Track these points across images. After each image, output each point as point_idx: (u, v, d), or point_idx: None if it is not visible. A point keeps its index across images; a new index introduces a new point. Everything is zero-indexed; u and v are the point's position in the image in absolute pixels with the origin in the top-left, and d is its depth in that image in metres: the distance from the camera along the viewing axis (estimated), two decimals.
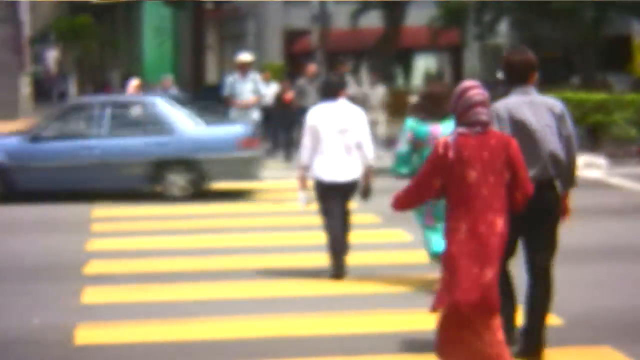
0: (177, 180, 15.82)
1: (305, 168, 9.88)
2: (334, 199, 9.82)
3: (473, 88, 6.24)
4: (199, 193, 15.83)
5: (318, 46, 31.07)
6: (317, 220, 10.25)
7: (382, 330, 7.96)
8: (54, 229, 13.42)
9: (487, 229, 6.08)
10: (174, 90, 22.33)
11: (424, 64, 46.61)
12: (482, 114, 6.15)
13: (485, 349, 6.08)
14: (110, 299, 9.20)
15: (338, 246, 9.84)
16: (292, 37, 42.88)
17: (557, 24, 32.59)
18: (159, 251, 11.59)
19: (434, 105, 8.87)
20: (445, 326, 6.19)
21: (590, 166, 19.20)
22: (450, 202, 6.20)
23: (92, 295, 9.34)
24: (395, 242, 11.78)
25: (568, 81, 35.27)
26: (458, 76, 38.98)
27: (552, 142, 6.95)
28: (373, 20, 36.28)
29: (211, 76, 43.34)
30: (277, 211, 14.65)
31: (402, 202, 6.36)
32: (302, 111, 17.18)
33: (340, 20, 35.26)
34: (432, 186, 6.20)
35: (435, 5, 38.44)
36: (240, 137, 15.93)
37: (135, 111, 16.39)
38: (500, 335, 6.13)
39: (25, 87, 46.94)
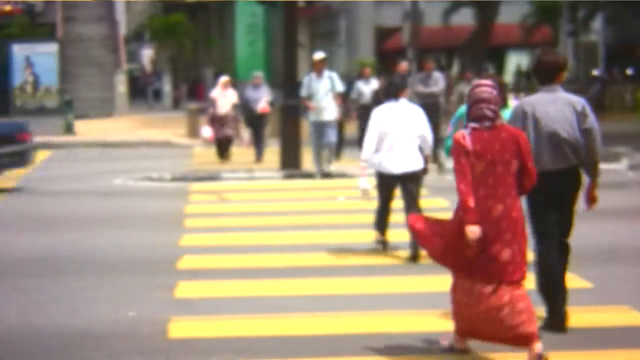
0: None
1: (367, 161, 10.85)
2: (392, 189, 11.05)
3: (482, 86, 6.97)
4: None
5: (409, 43, 31.02)
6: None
7: None
8: (149, 224, 13.63)
9: (482, 214, 6.77)
10: (265, 87, 22.41)
11: (516, 61, 46.22)
12: (485, 109, 6.86)
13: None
14: (203, 294, 9.33)
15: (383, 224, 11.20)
16: (383, 34, 42.88)
17: None
18: (250, 247, 11.72)
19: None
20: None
21: None
22: None
23: (185, 290, 9.49)
24: None
25: None
26: None
27: (571, 135, 7.67)
28: (465, 18, 36.10)
29: (303, 74, 43.48)
30: (369, 208, 14.70)
31: (472, 205, 6.80)
32: None
33: (432, 17, 35.16)
34: (470, 171, 6.86)
35: (527, 2, 38.11)
36: None
37: None
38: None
39: (121, 85, 47.69)
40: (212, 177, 19.18)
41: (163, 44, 59.17)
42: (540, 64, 7.86)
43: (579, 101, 7.77)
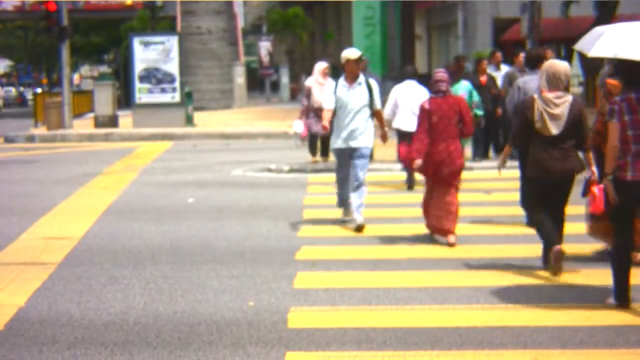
0: None
1: (388, 121, 15.34)
2: (406, 140, 15.31)
3: (439, 72, 11.44)
4: None
5: (528, 35, 30.70)
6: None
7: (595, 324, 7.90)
8: (268, 215, 13.77)
9: (433, 149, 11.13)
10: (374, 75, 22.00)
11: None
12: (440, 85, 11.26)
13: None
14: (321, 284, 9.41)
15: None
16: (501, 26, 42.49)
17: None
18: (368, 239, 11.79)
19: (451, 75, 13.21)
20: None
21: None
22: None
23: (304, 280, 9.60)
24: None
25: None
26: None
27: None
28: (584, 9, 35.54)
29: (420, 66, 43.41)
30: (486, 201, 14.65)
31: (421, 147, 11.15)
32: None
33: (551, 9, 34.73)
34: (427, 126, 11.16)
35: None
36: None
37: None
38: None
39: (239, 78, 48.25)
40: (330, 169, 19.22)
41: (280, 37, 59.65)
42: (528, 55, 12.01)
43: None
